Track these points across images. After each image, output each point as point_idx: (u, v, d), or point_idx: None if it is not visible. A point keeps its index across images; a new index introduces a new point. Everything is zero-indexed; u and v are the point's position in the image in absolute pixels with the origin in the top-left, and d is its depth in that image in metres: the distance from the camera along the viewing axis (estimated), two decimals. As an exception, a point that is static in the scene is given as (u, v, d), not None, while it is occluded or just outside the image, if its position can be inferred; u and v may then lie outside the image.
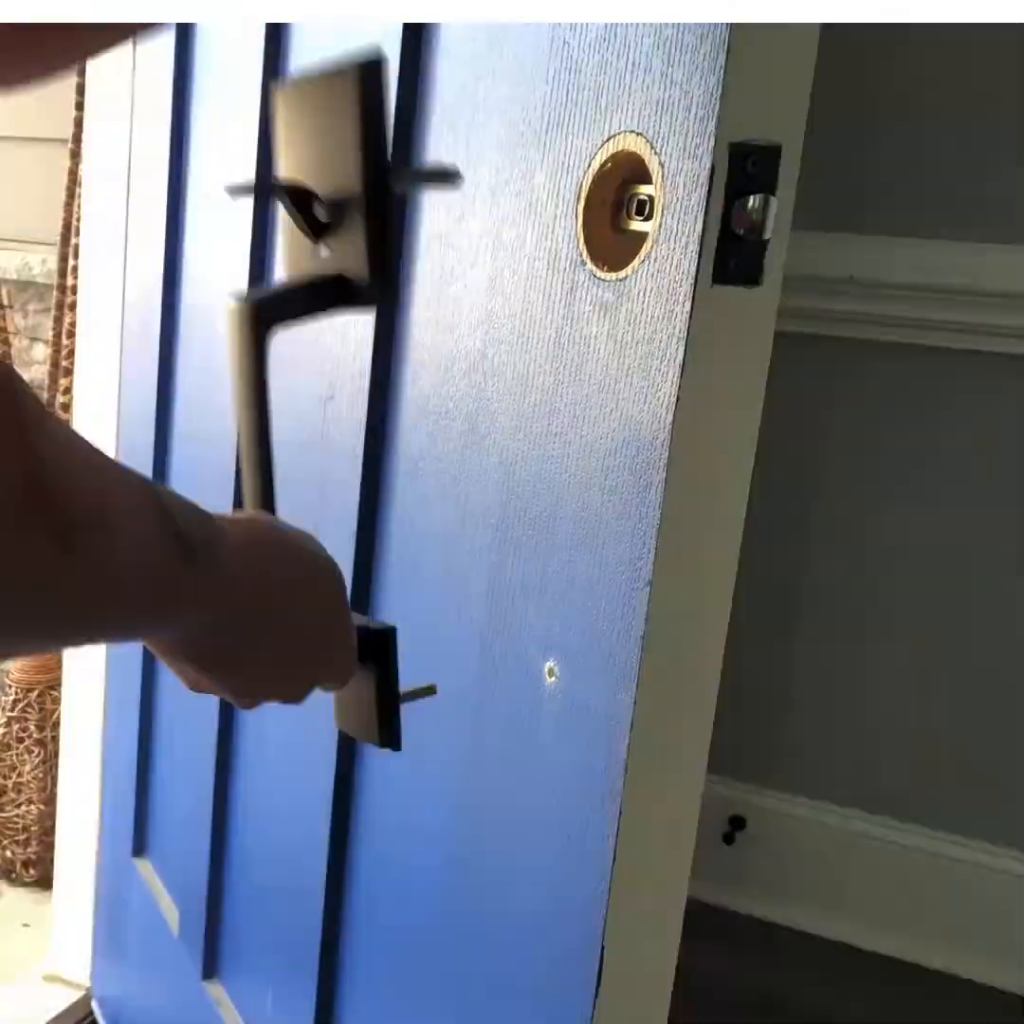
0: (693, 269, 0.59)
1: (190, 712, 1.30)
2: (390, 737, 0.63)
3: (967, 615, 1.67)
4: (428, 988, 0.86)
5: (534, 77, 0.69)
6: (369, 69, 0.53)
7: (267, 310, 0.57)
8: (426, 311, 0.85)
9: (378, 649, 0.62)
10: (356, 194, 0.55)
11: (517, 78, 0.72)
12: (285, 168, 0.59)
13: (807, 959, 1.73)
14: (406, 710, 0.66)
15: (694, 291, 0.59)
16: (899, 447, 1.68)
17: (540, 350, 0.71)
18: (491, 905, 0.79)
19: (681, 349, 0.60)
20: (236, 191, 0.61)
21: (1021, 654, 1.65)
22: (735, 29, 0.57)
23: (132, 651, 1.40)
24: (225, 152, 1.15)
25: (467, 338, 0.76)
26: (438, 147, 0.83)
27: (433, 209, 0.83)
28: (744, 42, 0.57)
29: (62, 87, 1.60)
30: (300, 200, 0.57)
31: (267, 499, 0.60)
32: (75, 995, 1.63)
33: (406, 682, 0.65)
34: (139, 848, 1.49)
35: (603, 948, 0.66)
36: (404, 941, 0.89)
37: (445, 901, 0.83)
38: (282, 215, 0.60)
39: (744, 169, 0.58)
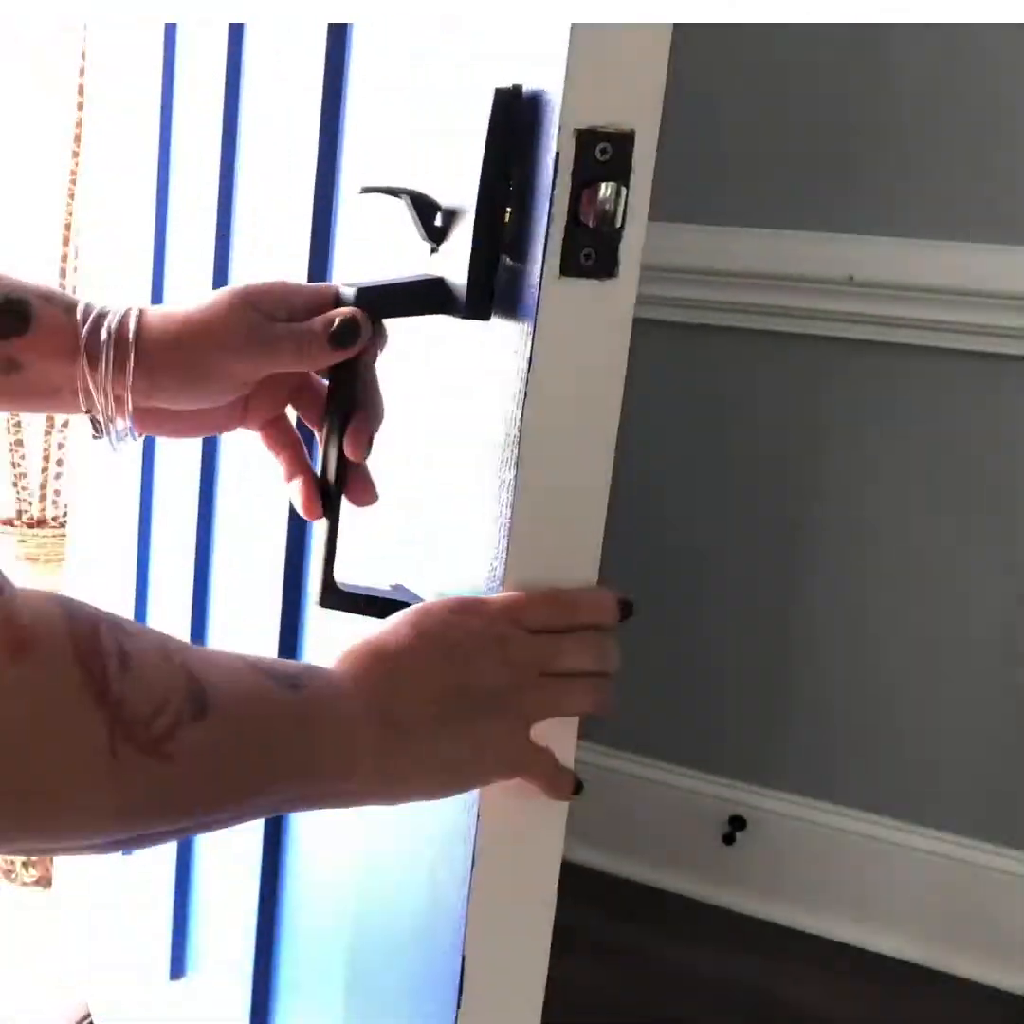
0: (538, 261, 0.57)
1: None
2: None
3: (967, 615, 1.67)
4: (334, 993, 0.89)
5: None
6: (501, 96, 0.57)
7: (370, 301, 0.62)
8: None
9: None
10: (470, 209, 0.59)
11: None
12: (417, 169, 0.64)
13: (807, 959, 1.73)
14: None
15: (540, 283, 0.57)
16: (898, 448, 1.67)
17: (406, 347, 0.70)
18: (384, 920, 0.81)
19: (529, 343, 0.58)
20: (368, 191, 0.65)
21: (1021, 654, 1.65)
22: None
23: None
24: (201, 146, 1.15)
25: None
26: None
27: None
28: (586, 28, 0.55)
29: (61, 87, 1.60)
30: (422, 207, 0.63)
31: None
32: (75, 995, 1.63)
33: None
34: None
35: (464, 958, 0.64)
36: (322, 951, 0.93)
37: (350, 917, 0.86)
38: (406, 216, 0.64)
39: (593, 157, 0.56)
